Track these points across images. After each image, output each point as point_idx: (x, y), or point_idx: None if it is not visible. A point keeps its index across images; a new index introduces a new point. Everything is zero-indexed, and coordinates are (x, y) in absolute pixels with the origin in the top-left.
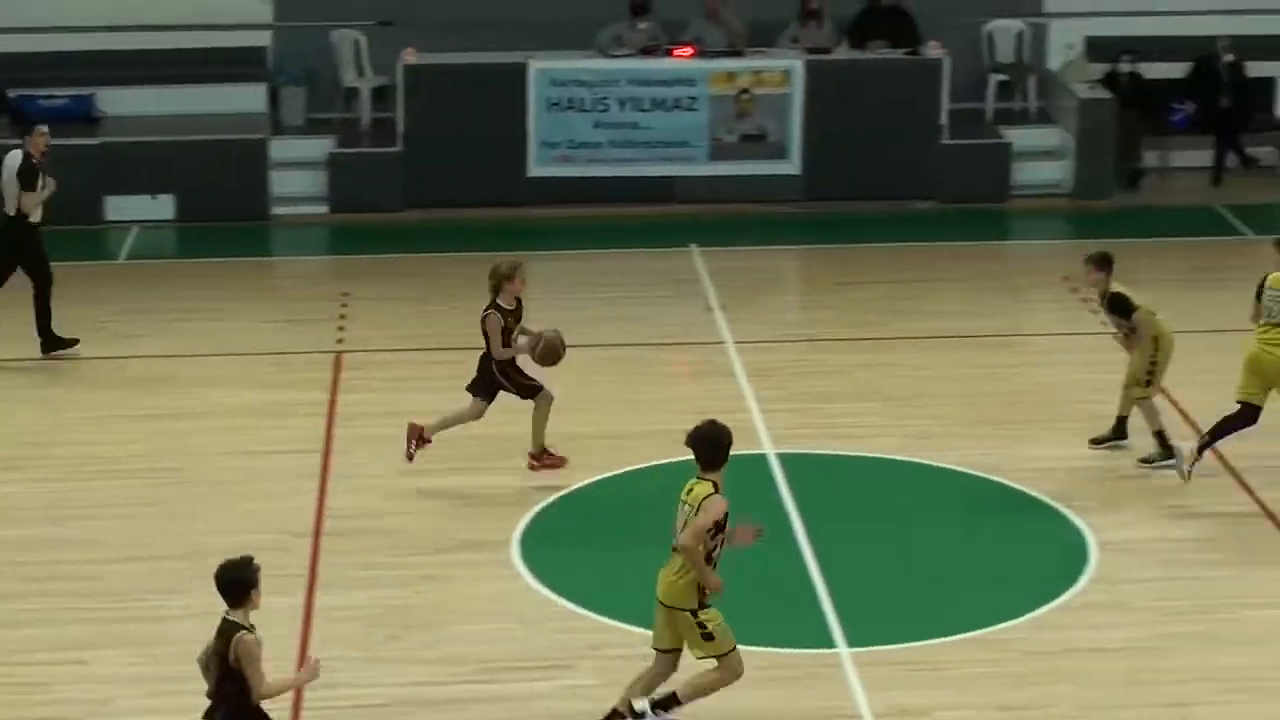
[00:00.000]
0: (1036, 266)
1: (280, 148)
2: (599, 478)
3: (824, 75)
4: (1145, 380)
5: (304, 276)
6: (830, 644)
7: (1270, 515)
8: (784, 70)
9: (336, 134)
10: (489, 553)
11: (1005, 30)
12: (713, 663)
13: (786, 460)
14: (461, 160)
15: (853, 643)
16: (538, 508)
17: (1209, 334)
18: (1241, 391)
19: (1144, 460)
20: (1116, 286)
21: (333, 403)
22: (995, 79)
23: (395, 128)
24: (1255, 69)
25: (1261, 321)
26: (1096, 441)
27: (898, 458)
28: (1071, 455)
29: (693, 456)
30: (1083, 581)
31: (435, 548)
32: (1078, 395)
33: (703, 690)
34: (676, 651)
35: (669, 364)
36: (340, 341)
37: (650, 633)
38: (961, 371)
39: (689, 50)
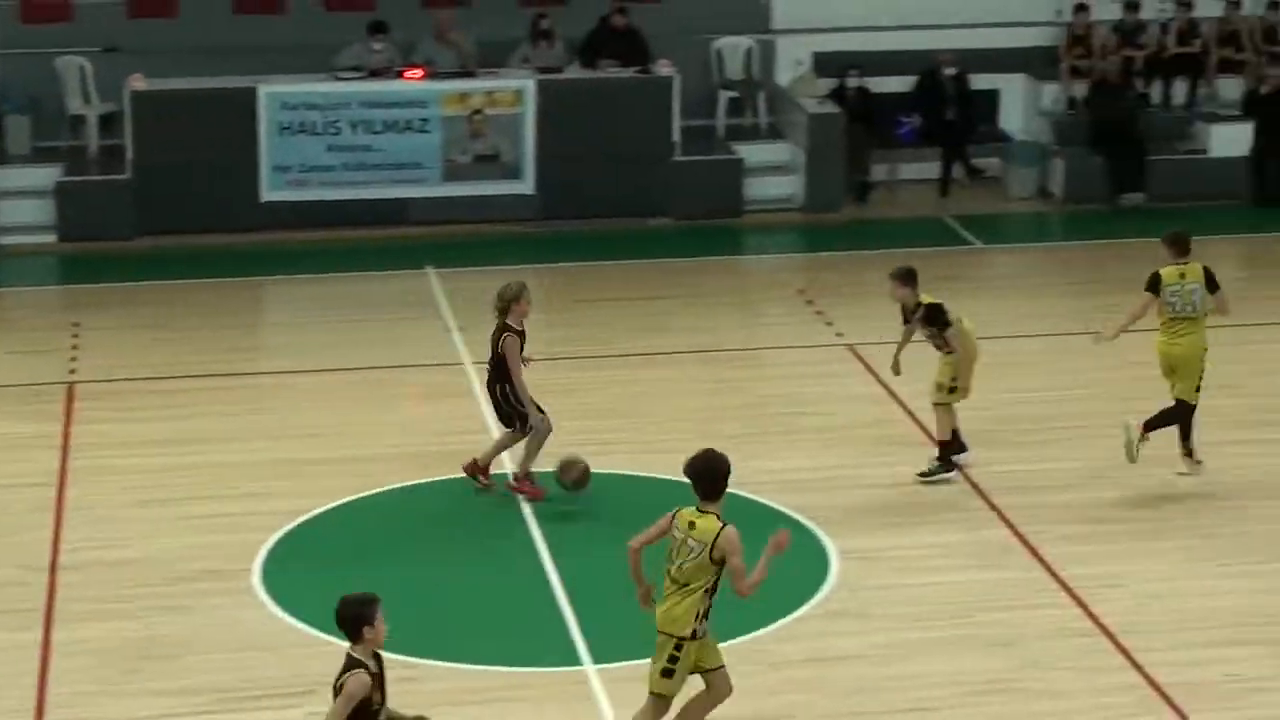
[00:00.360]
0: (771, 280)
1: (5, 177)
2: (340, 502)
3: (556, 95)
4: (950, 387)
5: (33, 307)
6: (576, 661)
7: (1008, 522)
8: (516, 90)
9: (64, 162)
10: (229, 581)
11: (734, 47)
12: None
13: None
14: (193, 186)
15: (598, 659)
16: (279, 534)
17: None
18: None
19: (923, 474)
20: (929, 298)
21: (67, 434)
22: (725, 96)
23: (124, 155)
24: (979, 82)
25: (1166, 317)
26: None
27: (639, 474)
28: (810, 467)
29: (691, 487)
30: (825, 590)
31: (175, 577)
32: (815, 407)
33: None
34: (713, 670)
35: (408, 386)
36: (73, 372)
37: None
38: (700, 386)
39: (419, 72)
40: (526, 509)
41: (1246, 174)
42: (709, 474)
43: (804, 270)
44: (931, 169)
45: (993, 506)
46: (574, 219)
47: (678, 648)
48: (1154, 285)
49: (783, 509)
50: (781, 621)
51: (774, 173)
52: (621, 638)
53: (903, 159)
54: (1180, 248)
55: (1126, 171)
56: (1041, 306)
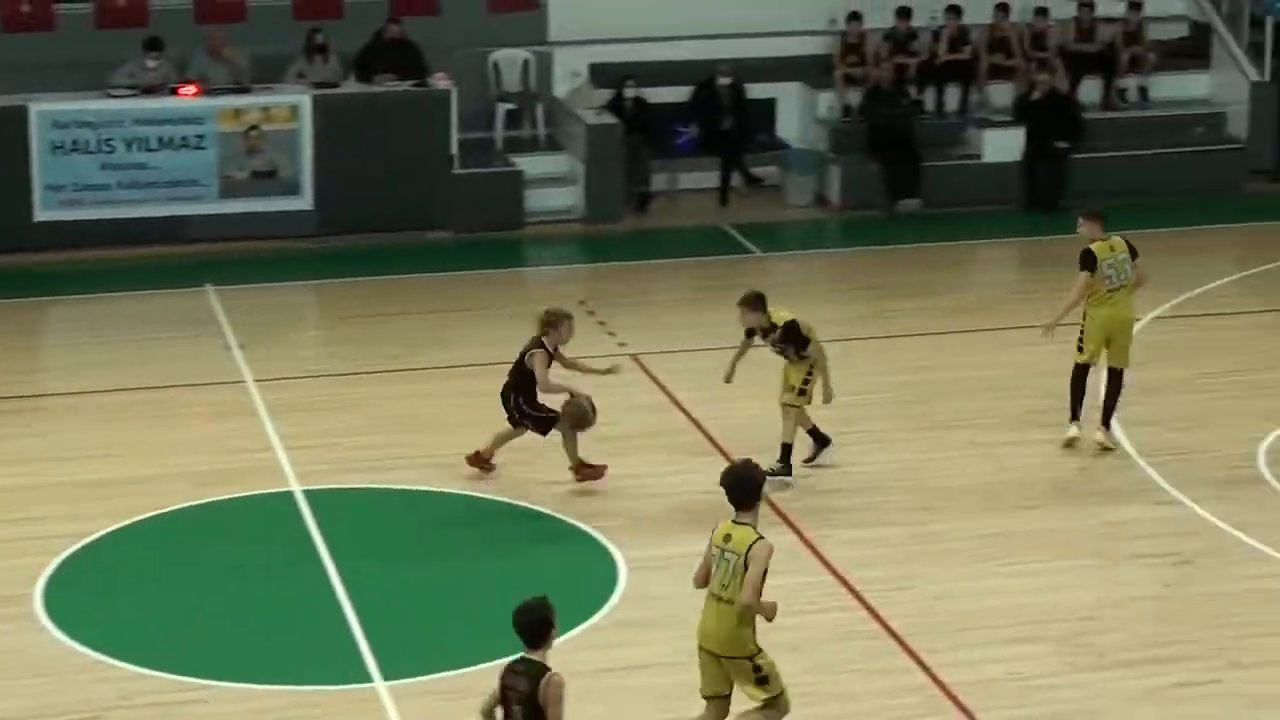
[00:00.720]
0: (554, 292)
1: None
2: (124, 523)
3: (333, 109)
4: (800, 389)
5: None
6: (366, 678)
7: (794, 528)
8: (292, 106)
9: None
10: (9, 606)
11: (511, 60)
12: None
13: (313, 496)
14: None
15: (388, 675)
16: (61, 557)
17: (726, 350)
18: (1105, 359)
19: (770, 470)
20: (786, 314)
21: None
22: (503, 108)
23: None
24: (755, 91)
25: (1105, 290)
26: (808, 461)
27: (425, 488)
28: None
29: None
30: (614, 600)
31: None
32: (600, 417)
33: None
34: (727, 698)
35: (189, 405)
36: None
37: None
38: (484, 400)
39: (193, 88)
40: (313, 526)
41: (1018, 179)
42: (744, 483)
43: (585, 281)
44: (710, 178)
45: (779, 512)
46: (353, 234)
47: (756, 668)
48: (1090, 263)
49: (570, 519)
50: (572, 632)
51: (553, 184)
52: (410, 653)
53: (681, 169)
54: (1101, 222)
55: (902, 178)
56: (823, 313)
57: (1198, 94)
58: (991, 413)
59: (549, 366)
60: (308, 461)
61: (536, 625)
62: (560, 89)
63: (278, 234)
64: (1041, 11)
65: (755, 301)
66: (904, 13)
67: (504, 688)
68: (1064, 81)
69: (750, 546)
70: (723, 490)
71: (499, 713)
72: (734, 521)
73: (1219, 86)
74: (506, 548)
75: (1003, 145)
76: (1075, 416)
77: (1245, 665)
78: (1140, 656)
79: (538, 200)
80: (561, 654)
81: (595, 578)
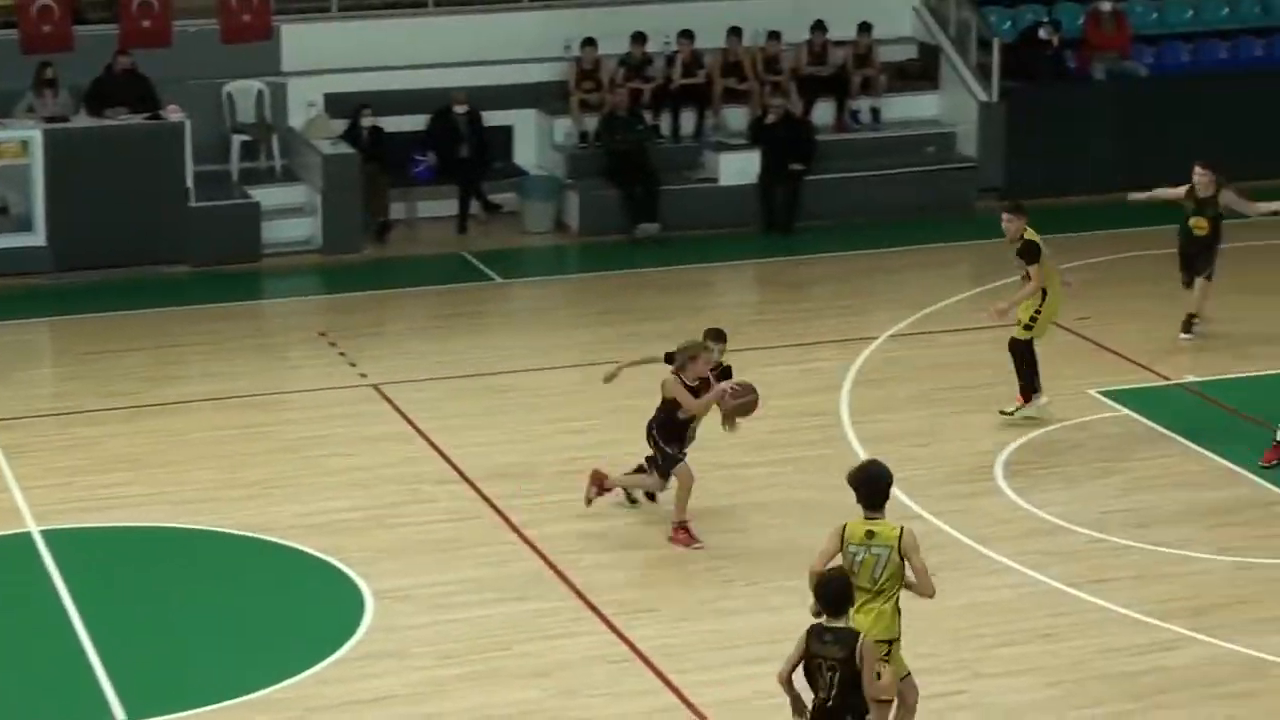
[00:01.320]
0: (292, 324)
1: None
2: None
3: (64, 144)
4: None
5: None
6: (110, 719)
7: (540, 553)
8: (22, 141)
9: None
10: None
11: (245, 91)
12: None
13: (51, 536)
14: None
15: (133, 716)
16: None
17: (468, 378)
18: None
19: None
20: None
21: None
22: (238, 139)
23: None
24: (492, 118)
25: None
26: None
27: (165, 525)
28: (341, 508)
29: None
30: (360, 632)
31: None
32: (343, 449)
33: None
34: (903, 679)
35: None
36: None
37: None
38: (224, 433)
39: None
40: (52, 567)
41: (755, 201)
42: (872, 483)
43: (325, 312)
44: (449, 206)
45: (524, 539)
46: (89, 269)
47: (887, 654)
48: (1035, 253)
49: (314, 552)
50: (318, 666)
51: (291, 215)
52: (155, 693)
53: (419, 197)
54: (1025, 212)
55: (640, 202)
56: (565, 339)
57: (928, 114)
58: (731, 437)
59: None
60: (45, 501)
61: (839, 594)
62: (295, 119)
63: (10, 271)
64: (774, 35)
65: (719, 335)
66: (639, 38)
67: (813, 656)
68: (797, 104)
69: (900, 538)
70: (851, 489)
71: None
72: (866, 518)
73: (948, 107)
74: (250, 583)
75: (738, 168)
76: (1037, 389)
77: (988, 676)
78: None
79: (275, 232)
80: (308, 687)
81: (341, 610)
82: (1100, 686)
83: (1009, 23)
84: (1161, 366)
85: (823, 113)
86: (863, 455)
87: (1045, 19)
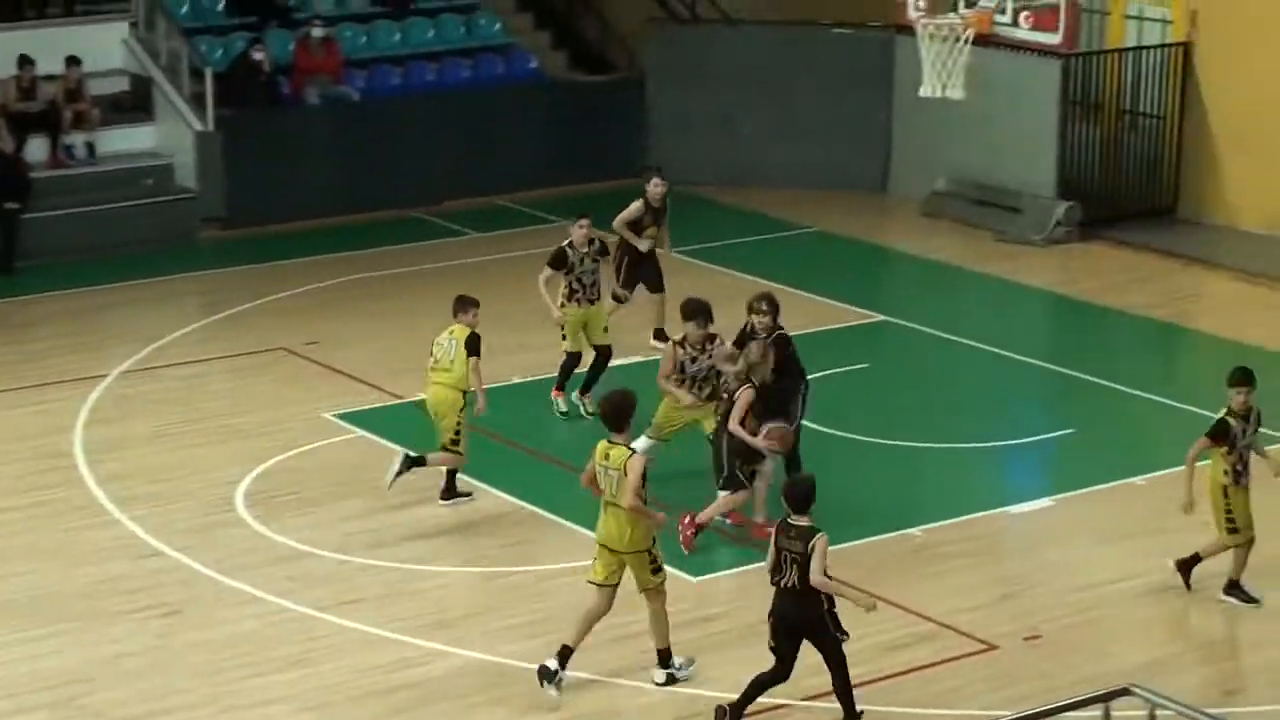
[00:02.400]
0: None
1: None
2: None
3: None
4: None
5: None
6: None
7: None
8: None
9: None
10: None
11: None
12: None
13: None
14: None
15: None
16: None
17: None
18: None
19: None
20: None
21: None
22: None
23: None
24: None
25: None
26: None
27: None
28: None
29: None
30: None
31: None
32: None
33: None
34: (616, 586)
35: None
36: None
37: None
38: None
39: None
40: None
41: None
42: (618, 409)
43: None
44: None
45: None
46: None
47: (649, 553)
48: (561, 261)
49: None
50: None
51: None
52: None
53: None
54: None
55: None
56: None
57: (145, 146)
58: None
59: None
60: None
61: (808, 492)
62: None
63: None
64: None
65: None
66: None
67: (779, 550)
68: (9, 141)
69: (627, 460)
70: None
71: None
72: (610, 442)
73: (165, 137)
74: None
75: None
76: (560, 388)
77: (240, 708)
78: (141, 711)
79: None
80: None
81: None
82: (355, 708)
83: (220, 51)
84: (394, 386)
85: (36, 149)
86: (102, 496)
87: (257, 40)
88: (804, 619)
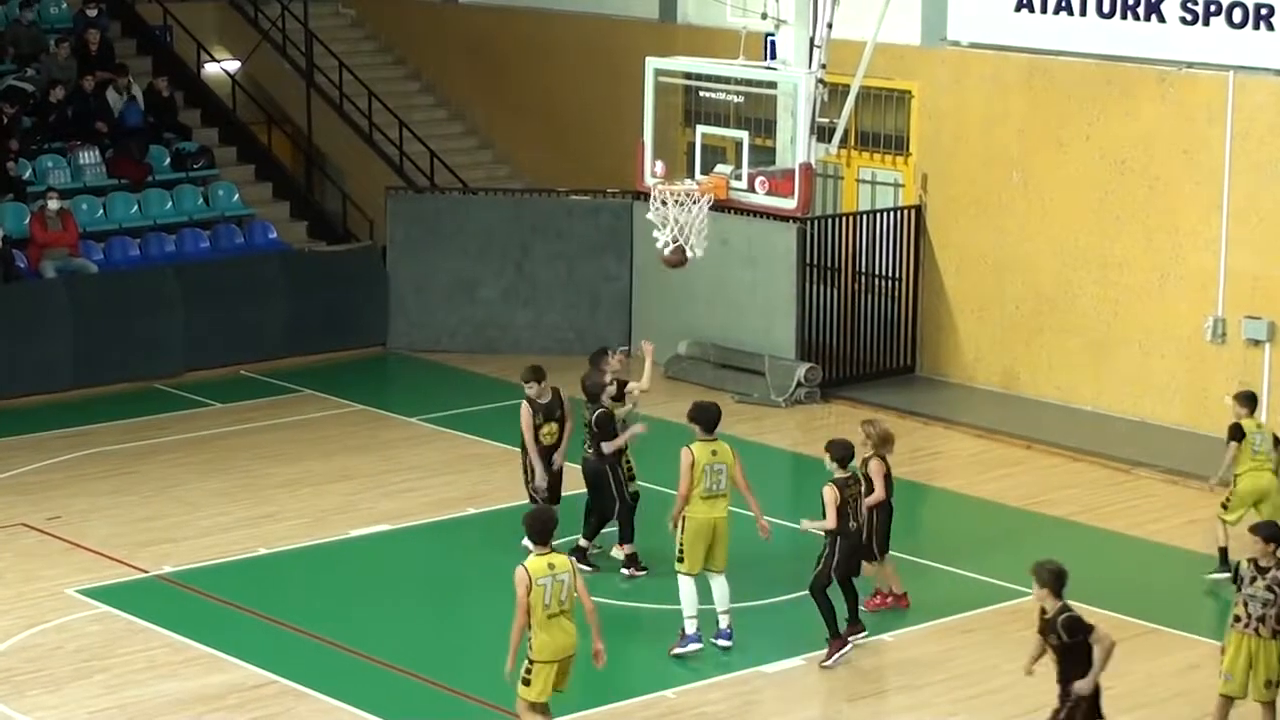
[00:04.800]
0: None
1: None
2: None
3: None
4: None
5: None
6: None
7: None
8: None
9: None
10: None
11: None
12: None
13: None
14: None
15: None
16: None
17: None
18: None
19: None
20: None
21: None
22: None
23: None
24: None
25: None
26: None
27: None
28: None
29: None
30: None
31: None
32: None
33: None
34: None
35: None
36: None
37: None
38: None
39: None
40: None
41: None
42: (543, 525)
43: None
44: None
45: None
46: None
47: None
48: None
49: None
50: None
51: None
52: None
53: None
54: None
55: None
56: None
57: None
58: None
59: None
60: None
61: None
62: None
63: None
64: None
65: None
66: None
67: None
68: None
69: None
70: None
71: None
72: (541, 555)
73: None
74: None
75: None
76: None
77: None
78: None
79: None
80: None
81: None
82: None
83: None
84: (139, 560)
85: None
86: None
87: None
88: None
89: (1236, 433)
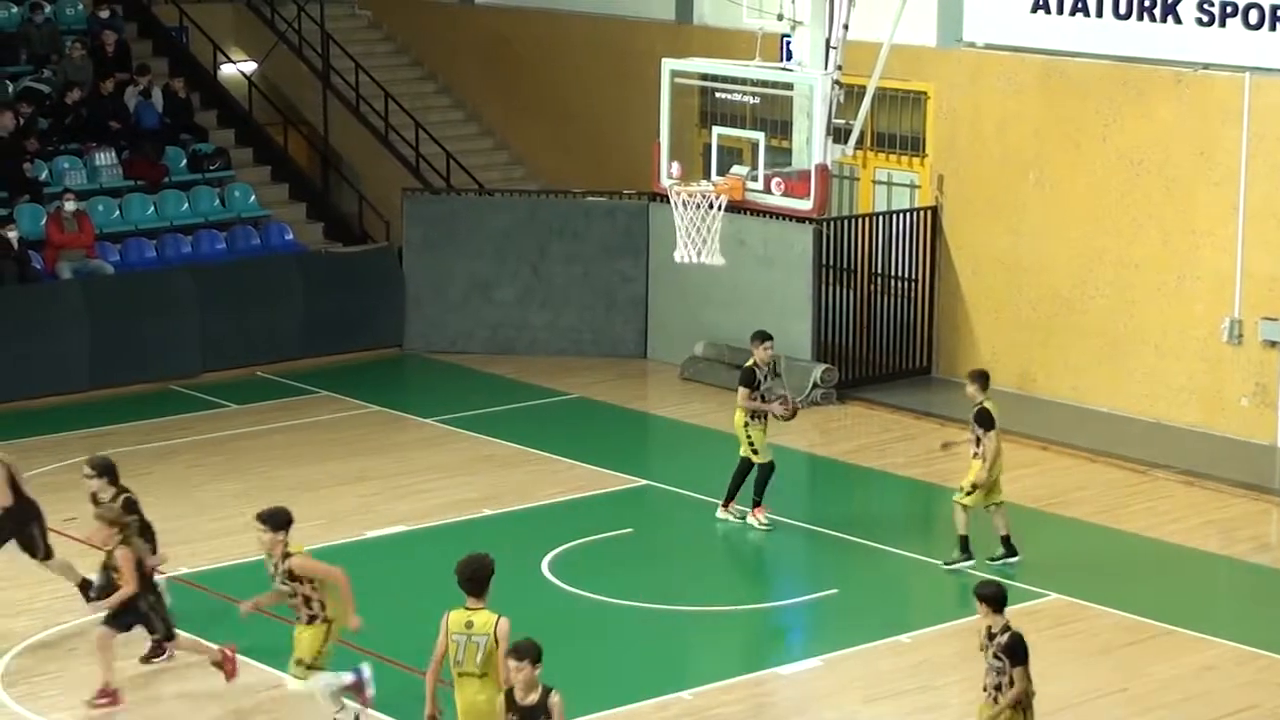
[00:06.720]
0: None
1: None
2: None
3: None
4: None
5: None
6: None
7: None
8: None
9: None
10: None
11: None
12: None
13: None
14: None
15: None
16: None
17: None
18: None
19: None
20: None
21: None
22: None
23: None
24: None
25: None
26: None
27: None
28: None
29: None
30: None
31: None
32: None
33: None
34: None
35: None
36: None
37: None
38: None
39: None
40: None
41: None
42: (478, 573)
43: None
44: None
45: None
46: None
47: None
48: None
49: None
50: None
51: None
52: None
53: None
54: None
55: None
56: None
57: None
58: None
59: None
60: None
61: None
62: None
63: None
64: None
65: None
66: None
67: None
68: None
69: (495, 626)
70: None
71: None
72: (467, 608)
73: None
74: None
75: None
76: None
77: None
78: None
79: None
80: None
81: None
82: None
83: None
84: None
85: None
86: None
87: (8, 216)
88: None
89: None
